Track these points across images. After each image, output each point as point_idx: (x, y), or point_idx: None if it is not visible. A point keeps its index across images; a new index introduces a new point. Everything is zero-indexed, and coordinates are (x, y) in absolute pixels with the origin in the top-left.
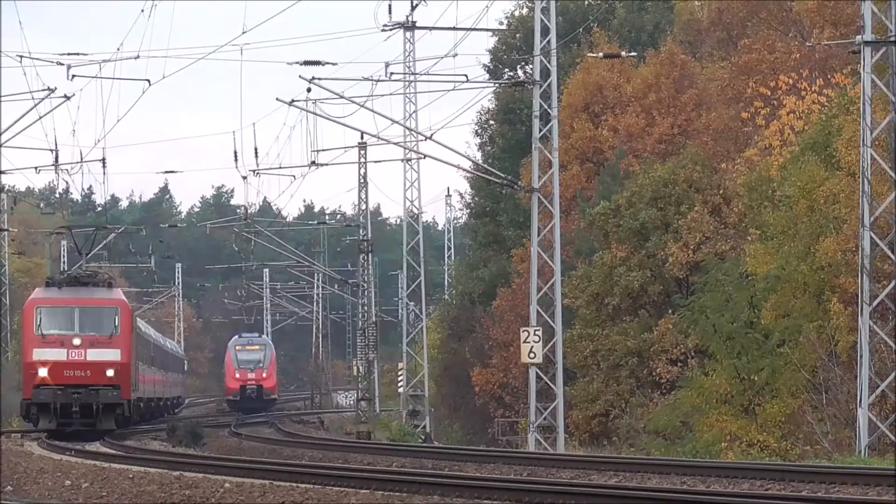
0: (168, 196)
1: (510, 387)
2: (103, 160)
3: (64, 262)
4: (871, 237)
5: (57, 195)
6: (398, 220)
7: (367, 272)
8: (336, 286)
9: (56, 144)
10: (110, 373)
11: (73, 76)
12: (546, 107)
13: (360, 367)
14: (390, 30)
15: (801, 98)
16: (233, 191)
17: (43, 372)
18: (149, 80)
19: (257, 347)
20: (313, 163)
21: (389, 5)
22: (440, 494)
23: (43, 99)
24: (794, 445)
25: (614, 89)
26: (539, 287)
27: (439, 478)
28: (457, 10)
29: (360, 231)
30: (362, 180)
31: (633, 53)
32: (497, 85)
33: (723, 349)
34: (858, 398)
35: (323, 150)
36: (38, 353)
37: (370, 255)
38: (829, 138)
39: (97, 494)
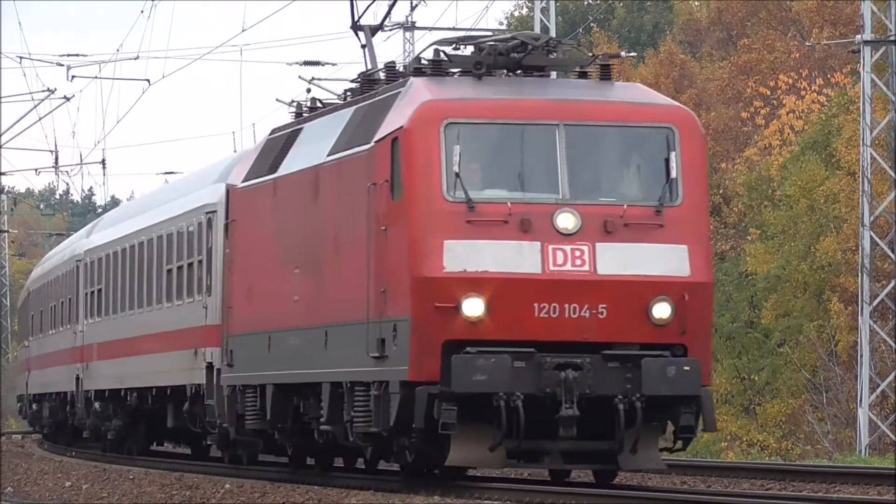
0: None
1: None
2: (103, 161)
3: None
4: (871, 237)
5: (57, 196)
6: None
7: None
8: None
9: (56, 146)
10: (663, 311)
11: (73, 77)
12: None
13: None
14: (390, 30)
15: (800, 98)
16: None
17: (473, 306)
18: (148, 80)
19: None
20: None
21: (389, 5)
22: (440, 494)
23: (43, 100)
24: (794, 445)
25: None
26: None
27: (439, 478)
28: (456, 11)
29: None
30: None
31: (632, 54)
32: None
33: (723, 349)
34: (858, 398)
35: None
36: (456, 252)
37: None
38: (828, 138)
39: (98, 495)
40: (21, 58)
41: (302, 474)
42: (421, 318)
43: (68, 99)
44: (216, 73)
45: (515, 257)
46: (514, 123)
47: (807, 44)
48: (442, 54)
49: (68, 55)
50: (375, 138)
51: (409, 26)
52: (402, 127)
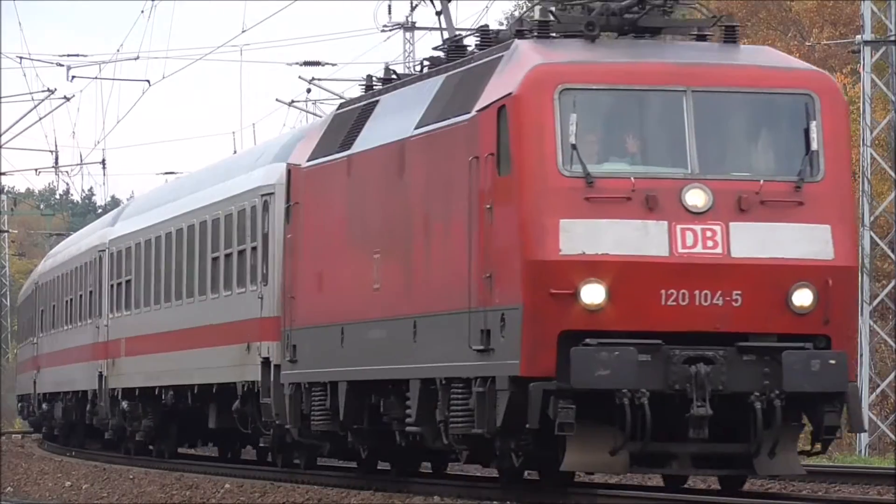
0: None
1: None
2: (103, 161)
3: None
4: (871, 237)
5: (57, 197)
6: None
7: None
8: None
9: (56, 146)
10: (804, 298)
11: (73, 77)
12: None
13: None
14: (390, 30)
15: None
16: None
17: (593, 293)
18: (149, 81)
19: None
20: None
21: (389, 6)
22: (440, 494)
23: (43, 100)
24: None
25: None
26: None
27: (440, 478)
28: (457, 11)
29: None
30: None
31: None
32: None
33: None
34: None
35: None
36: (574, 233)
37: None
38: None
39: (98, 495)
40: (21, 58)
41: (374, 479)
42: (534, 307)
43: (68, 99)
44: (216, 73)
45: (640, 238)
46: (636, 89)
47: (807, 44)
48: (549, 14)
49: (68, 55)
50: (477, 107)
51: (409, 26)
52: (510, 94)
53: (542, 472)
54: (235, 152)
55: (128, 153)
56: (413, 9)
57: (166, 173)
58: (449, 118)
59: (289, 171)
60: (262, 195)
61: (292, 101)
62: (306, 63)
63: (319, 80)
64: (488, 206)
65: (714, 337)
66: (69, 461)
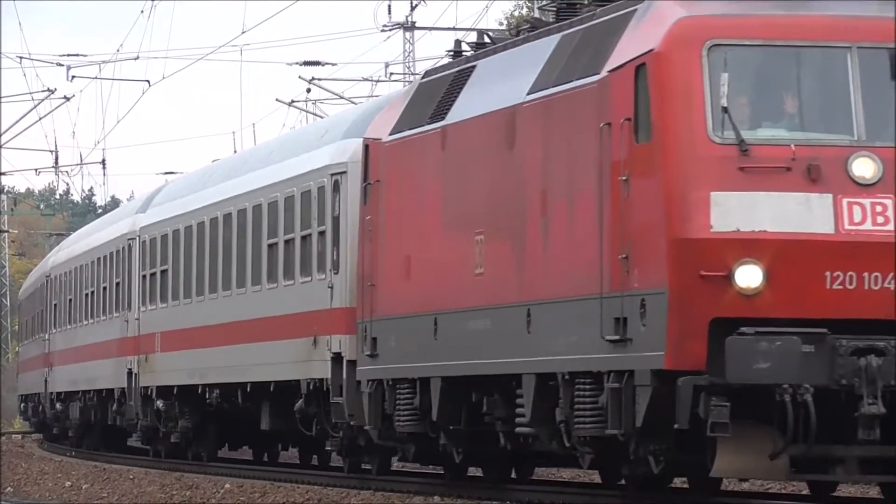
0: None
1: None
2: (103, 161)
3: None
4: None
5: (57, 196)
6: None
7: None
8: None
9: (56, 146)
10: None
11: (73, 77)
12: None
13: None
14: (390, 30)
15: None
16: None
17: (749, 275)
18: (149, 81)
19: None
20: None
21: (389, 6)
22: (440, 495)
23: (42, 100)
24: None
25: None
26: None
27: (440, 478)
28: (457, 11)
29: None
30: None
31: None
32: None
33: None
34: None
35: None
36: (727, 207)
37: None
38: None
39: (98, 495)
40: (21, 58)
41: (463, 487)
42: (682, 291)
43: (68, 99)
44: (216, 73)
45: (801, 213)
46: (794, 45)
47: None
48: None
49: (68, 55)
50: (608, 67)
51: (409, 26)
52: (651, 51)
53: (688, 479)
54: (235, 151)
55: (128, 153)
56: (413, 9)
57: (166, 173)
58: (571, 81)
59: (366, 147)
60: (332, 174)
61: (292, 101)
62: (306, 63)
63: (319, 79)
64: (624, 178)
65: (885, 325)
66: (69, 461)
